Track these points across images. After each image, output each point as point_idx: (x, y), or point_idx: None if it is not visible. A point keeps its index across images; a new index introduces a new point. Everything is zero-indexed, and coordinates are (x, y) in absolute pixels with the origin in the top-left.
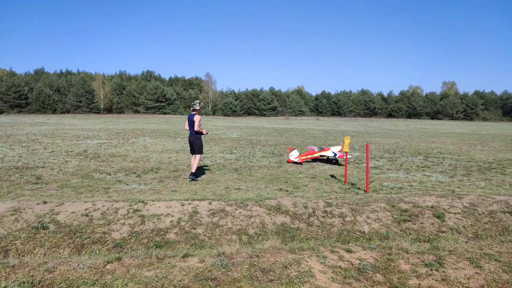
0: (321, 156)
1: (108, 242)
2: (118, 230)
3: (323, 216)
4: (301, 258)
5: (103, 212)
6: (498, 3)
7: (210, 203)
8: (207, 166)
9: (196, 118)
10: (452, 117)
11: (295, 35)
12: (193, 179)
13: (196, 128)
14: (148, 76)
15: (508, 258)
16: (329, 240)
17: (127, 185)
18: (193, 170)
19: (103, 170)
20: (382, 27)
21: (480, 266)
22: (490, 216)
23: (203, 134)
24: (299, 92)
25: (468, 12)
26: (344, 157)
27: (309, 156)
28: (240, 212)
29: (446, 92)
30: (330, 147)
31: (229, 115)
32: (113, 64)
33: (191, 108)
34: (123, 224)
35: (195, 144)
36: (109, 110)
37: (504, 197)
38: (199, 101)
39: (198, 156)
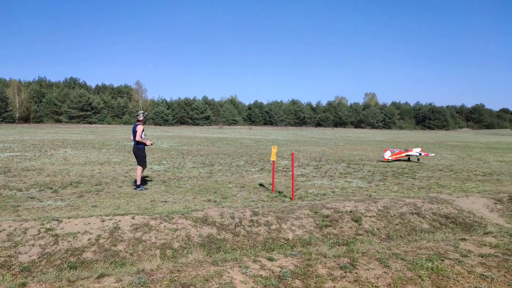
0: (407, 155)
1: (14, 266)
2: (26, 253)
3: (250, 226)
4: (223, 269)
5: (10, 233)
6: (405, 20)
7: (133, 218)
8: (132, 177)
9: (139, 128)
10: (373, 126)
11: (227, 44)
12: (140, 189)
13: (137, 138)
14: (72, 83)
15: (412, 256)
16: (255, 249)
17: (41, 202)
18: (138, 182)
19: (13, 186)
20: (311, 41)
21: (388, 266)
22: (400, 217)
23: (146, 145)
24: (233, 101)
25: (384, 30)
26: (429, 155)
27: (398, 156)
28: (165, 226)
29: (368, 102)
30: (413, 149)
31: (160, 125)
32: (31, 70)
33: (135, 119)
34: (33, 245)
35: (137, 155)
36: (25, 120)
37: (412, 200)
38: (142, 112)
39: (140, 167)
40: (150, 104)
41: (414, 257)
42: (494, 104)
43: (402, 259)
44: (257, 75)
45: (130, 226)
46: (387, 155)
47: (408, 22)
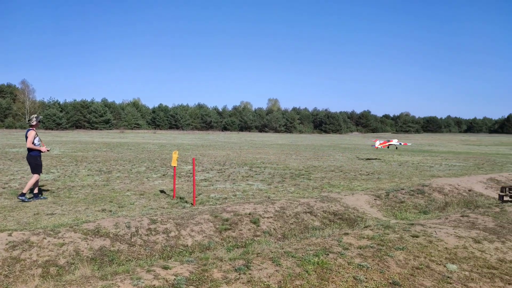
0: (389, 145)
1: None
2: None
3: (147, 234)
4: (112, 283)
5: None
6: (302, 29)
7: (10, 235)
8: (12, 188)
9: (30, 134)
10: (276, 130)
11: (131, 45)
12: (22, 200)
13: (28, 145)
14: None
15: (302, 253)
16: (151, 258)
17: None
18: (24, 190)
19: None
20: (216, 45)
21: (279, 264)
22: (295, 217)
23: (41, 151)
24: (135, 104)
25: (283, 40)
26: (408, 144)
27: (384, 144)
28: (49, 241)
29: (271, 108)
30: (393, 140)
31: (52, 129)
32: None
33: (28, 124)
34: None
35: (30, 162)
36: None
37: (306, 200)
38: (36, 116)
39: (34, 176)
40: (39, 106)
41: (303, 254)
42: (378, 110)
43: (292, 256)
44: (162, 77)
45: (6, 245)
46: (377, 144)
47: (304, 32)
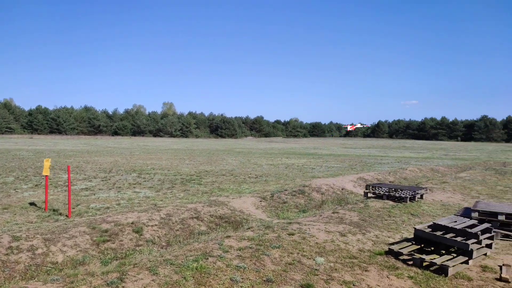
0: (356, 128)
1: None
2: None
3: (7, 254)
4: None
5: None
6: (192, 33)
7: None
8: None
9: None
10: (171, 135)
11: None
12: None
13: None
14: None
15: (181, 259)
16: (11, 281)
17: None
18: None
19: None
20: (105, 45)
21: (157, 273)
22: (181, 223)
23: None
24: (7, 105)
25: (178, 44)
26: (369, 125)
27: (352, 127)
28: None
29: (166, 111)
30: (358, 123)
31: None
32: None
33: None
34: None
35: None
36: None
37: (194, 205)
38: None
39: None
40: None
41: (183, 260)
42: (270, 116)
43: (171, 264)
44: (40, 76)
45: None
46: (348, 127)
47: (201, 35)
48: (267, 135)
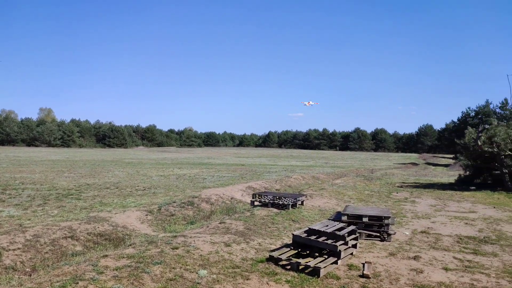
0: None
1: None
2: None
3: None
4: None
5: None
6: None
7: None
8: None
9: None
10: (50, 144)
11: None
12: None
13: None
14: None
15: (47, 287)
16: None
17: None
18: None
19: None
20: None
21: None
22: (52, 244)
23: None
24: None
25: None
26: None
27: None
28: None
29: (43, 118)
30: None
31: None
32: None
33: None
34: None
35: None
36: None
37: (69, 223)
38: None
39: None
40: None
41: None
42: (164, 124)
43: None
44: None
45: None
46: (306, 104)
47: (80, 33)
48: (160, 144)
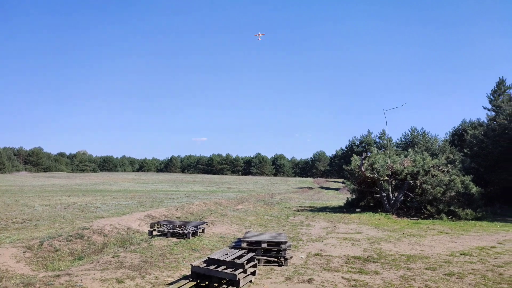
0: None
1: None
2: None
3: None
4: None
5: None
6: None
7: None
8: None
9: None
10: None
11: None
12: None
13: None
14: None
15: None
16: None
17: None
18: None
19: None
20: None
21: None
22: None
23: None
24: None
25: None
26: None
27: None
28: None
29: None
30: None
31: None
32: None
33: None
34: None
35: None
36: None
37: None
38: None
39: None
40: None
41: None
42: (52, 147)
43: None
44: None
45: None
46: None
47: None
48: (47, 169)
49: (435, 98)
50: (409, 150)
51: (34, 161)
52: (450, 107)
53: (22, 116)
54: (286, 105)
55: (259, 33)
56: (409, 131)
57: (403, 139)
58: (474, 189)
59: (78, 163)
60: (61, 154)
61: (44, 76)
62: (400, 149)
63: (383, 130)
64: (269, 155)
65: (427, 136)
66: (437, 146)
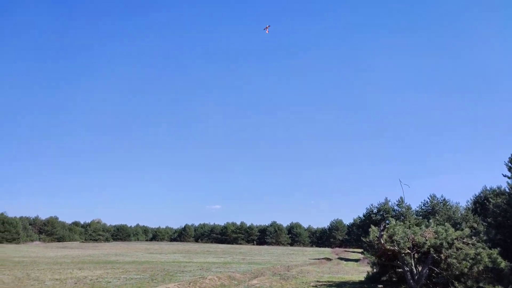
0: None
1: None
2: None
3: None
4: None
5: None
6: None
7: None
8: None
9: None
10: None
11: None
12: None
13: None
14: None
15: None
16: None
17: None
18: None
19: None
20: None
21: None
22: None
23: None
24: None
25: None
26: None
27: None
28: None
29: None
30: None
31: None
32: None
33: None
34: None
35: None
36: None
37: None
38: None
39: None
40: None
41: None
42: (68, 216)
43: None
44: None
45: None
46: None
47: None
48: (61, 239)
49: (454, 162)
50: (430, 219)
51: (49, 230)
52: (470, 171)
53: (39, 184)
54: (300, 172)
55: (267, 26)
56: (428, 198)
57: (422, 207)
58: (503, 263)
59: (91, 232)
60: (76, 223)
61: (60, 149)
62: (421, 217)
63: (401, 197)
64: (285, 223)
65: (447, 204)
66: (459, 215)
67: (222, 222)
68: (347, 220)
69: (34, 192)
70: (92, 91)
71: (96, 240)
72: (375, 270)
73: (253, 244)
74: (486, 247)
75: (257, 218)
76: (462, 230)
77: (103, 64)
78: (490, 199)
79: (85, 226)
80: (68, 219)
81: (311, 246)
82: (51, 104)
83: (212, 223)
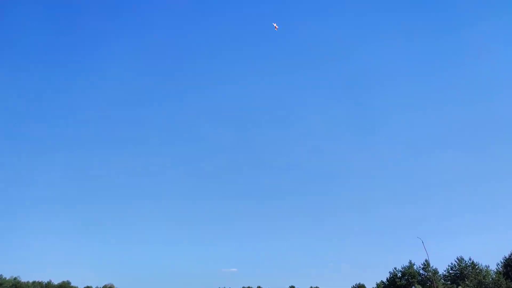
0: None
1: None
2: None
3: None
4: None
5: None
6: None
7: None
8: None
9: None
10: None
11: None
12: None
13: None
14: None
15: None
16: None
17: None
18: None
19: None
20: None
21: None
22: None
23: None
24: None
25: None
26: None
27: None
28: None
29: None
30: None
31: None
32: None
33: None
34: None
35: None
36: None
37: None
38: None
39: None
40: None
41: None
42: (79, 281)
43: None
44: None
45: None
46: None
47: None
48: None
49: (478, 221)
50: (460, 285)
51: None
52: (495, 231)
53: (51, 247)
54: (318, 233)
55: (275, 24)
56: (455, 261)
57: (450, 271)
58: None
59: None
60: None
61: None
62: (449, 282)
63: (426, 261)
64: (303, 287)
65: (477, 267)
66: (490, 279)
67: (238, 286)
68: (369, 284)
69: (47, 253)
70: None
71: None
72: None
73: None
74: None
75: (275, 281)
76: None
77: None
78: None
79: None
80: (80, 284)
81: None
82: None
83: (228, 287)
